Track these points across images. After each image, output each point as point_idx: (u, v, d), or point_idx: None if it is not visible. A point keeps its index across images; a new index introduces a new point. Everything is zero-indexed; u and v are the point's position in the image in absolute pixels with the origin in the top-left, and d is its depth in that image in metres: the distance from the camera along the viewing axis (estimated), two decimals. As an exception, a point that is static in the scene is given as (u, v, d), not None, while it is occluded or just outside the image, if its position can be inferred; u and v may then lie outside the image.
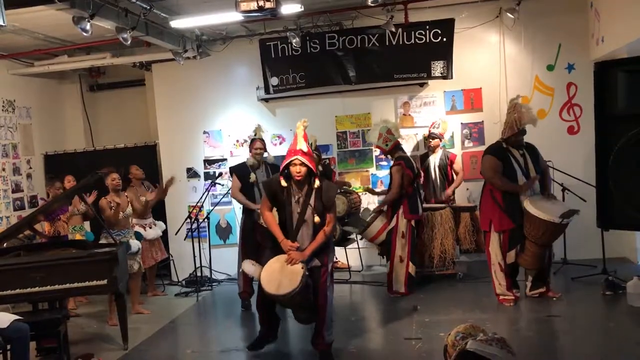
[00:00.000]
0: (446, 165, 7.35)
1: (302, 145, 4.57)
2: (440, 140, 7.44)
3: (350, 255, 7.75)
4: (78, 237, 6.81)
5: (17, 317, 4.58)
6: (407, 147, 8.06)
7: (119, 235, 6.26)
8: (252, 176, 6.48)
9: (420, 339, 5.07)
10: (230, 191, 6.92)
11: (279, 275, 4.46)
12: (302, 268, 4.46)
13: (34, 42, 7.54)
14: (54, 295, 5.32)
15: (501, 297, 5.93)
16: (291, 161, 4.56)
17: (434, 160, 7.35)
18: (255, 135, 6.74)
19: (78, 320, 6.69)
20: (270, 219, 4.70)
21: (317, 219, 4.59)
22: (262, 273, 4.53)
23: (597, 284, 6.12)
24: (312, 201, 4.61)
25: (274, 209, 4.78)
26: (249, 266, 4.77)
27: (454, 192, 7.43)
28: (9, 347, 4.49)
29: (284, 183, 4.61)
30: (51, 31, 7.23)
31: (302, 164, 4.54)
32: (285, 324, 5.53)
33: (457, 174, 7.42)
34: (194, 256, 7.54)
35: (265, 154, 6.72)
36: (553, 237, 5.65)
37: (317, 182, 4.59)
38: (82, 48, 8.11)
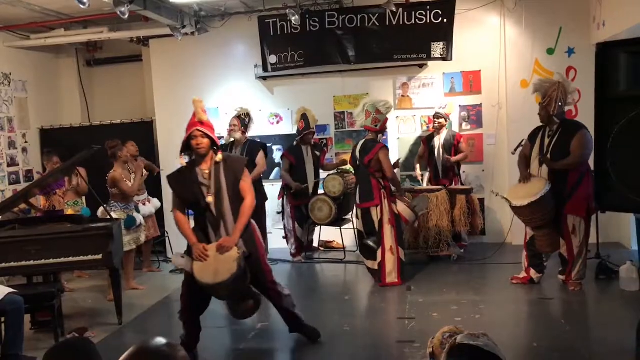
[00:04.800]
0: (451, 146, 7.29)
1: (202, 116, 4.26)
2: (446, 121, 7.41)
3: (345, 235, 7.76)
4: (70, 211, 6.80)
5: (11, 290, 4.59)
6: (405, 129, 8.06)
7: (126, 209, 6.31)
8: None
9: (413, 319, 5.10)
10: None
11: (214, 264, 4.16)
12: (238, 252, 4.18)
13: (30, 14, 7.45)
14: (48, 269, 5.33)
15: (515, 275, 6.01)
16: (191, 134, 4.25)
17: (439, 141, 7.32)
18: (240, 113, 6.80)
19: (73, 294, 6.71)
20: (182, 220, 4.38)
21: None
22: (195, 264, 4.21)
23: (591, 268, 6.15)
24: (223, 184, 4.28)
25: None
26: (179, 259, 4.45)
27: (459, 169, 7.43)
28: (3, 319, 4.51)
29: (183, 162, 4.38)
30: (48, 3, 7.15)
31: (204, 135, 4.24)
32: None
33: (462, 152, 7.38)
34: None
35: (238, 134, 6.71)
36: (526, 219, 5.61)
37: (219, 156, 4.28)
38: (79, 22, 8.02)
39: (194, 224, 4.46)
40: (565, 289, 5.71)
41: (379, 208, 6.14)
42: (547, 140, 5.64)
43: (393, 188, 6.23)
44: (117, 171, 6.46)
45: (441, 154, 7.27)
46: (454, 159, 7.26)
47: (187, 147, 4.34)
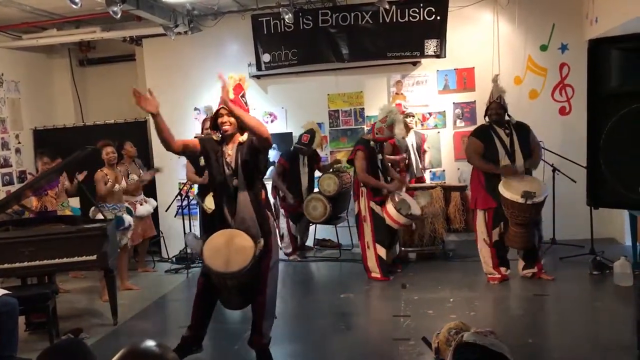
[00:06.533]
0: (420, 146, 7.37)
1: (232, 94, 4.10)
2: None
3: (340, 234, 7.77)
4: (67, 212, 6.79)
5: (5, 291, 4.57)
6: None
7: (114, 209, 6.28)
8: (202, 160, 6.39)
9: (408, 316, 5.11)
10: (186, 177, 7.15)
11: (226, 250, 3.91)
12: (256, 242, 3.96)
13: (22, 14, 7.40)
14: (42, 270, 5.31)
15: (488, 276, 5.98)
16: (218, 111, 4.10)
17: (410, 141, 7.31)
18: (207, 114, 6.67)
19: (67, 295, 6.68)
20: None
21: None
22: (205, 248, 3.97)
23: (585, 263, 6.18)
24: (239, 159, 4.07)
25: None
26: (192, 239, 4.25)
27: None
28: (-3, 320, 4.49)
29: (216, 137, 4.16)
30: (40, 3, 7.11)
31: (230, 113, 4.04)
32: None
33: (424, 152, 7.50)
34: (184, 233, 7.52)
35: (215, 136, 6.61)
36: (524, 217, 5.56)
37: (244, 136, 4.08)
38: (72, 22, 7.97)
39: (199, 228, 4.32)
40: (560, 285, 5.73)
41: (357, 203, 6.41)
42: (506, 139, 5.75)
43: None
44: (102, 171, 6.41)
45: (415, 154, 7.28)
46: (425, 166, 7.50)
47: (216, 125, 4.17)
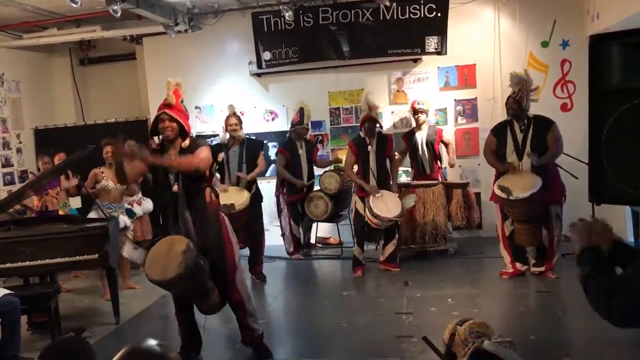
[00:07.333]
0: (434, 141, 7.25)
1: (171, 99, 4.04)
2: (427, 116, 7.34)
3: (342, 232, 7.76)
4: (61, 212, 6.76)
5: (7, 291, 4.58)
6: (401, 124, 8.04)
7: (109, 209, 6.25)
8: (221, 155, 6.43)
9: (411, 314, 5.11)
10: None
11: (165, 258, 3.80)
12: (186, 245, 3.81)
13: (22, 13, 7.41)
14: (44, 270, 5.31)
15: (502, 270, 6.01)
16: (158, 117, 4.04)
17: (421, 136, 7.23)
18: (229, 112, 6.68)
19: (69, 295, 6.68)
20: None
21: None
22: (147, 258, 3.92)
23: (587, 260, 6.16)
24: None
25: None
26: (132, 251, 4.23)
27: (442, 162, 7.42)
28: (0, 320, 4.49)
29: (155, 145, 4.15)
30: (40, 3, 7.12)
31: (171, 118, 3.99)
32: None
33: (447, 144, 7.36)
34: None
35: (241, 132, 6.61)
36: (517, 213, 5.57)
37: (186, 142, 4.04)
38: (72, 21, 7.98)
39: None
40: (562, 282, 5.72)
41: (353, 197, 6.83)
42: (519, 136, 5.71)
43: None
44: (98, 169, 6.40)
45: (425, 150, 7.19)
46: (451, 161, 7.32)
47: (156, 130, 4.14)
